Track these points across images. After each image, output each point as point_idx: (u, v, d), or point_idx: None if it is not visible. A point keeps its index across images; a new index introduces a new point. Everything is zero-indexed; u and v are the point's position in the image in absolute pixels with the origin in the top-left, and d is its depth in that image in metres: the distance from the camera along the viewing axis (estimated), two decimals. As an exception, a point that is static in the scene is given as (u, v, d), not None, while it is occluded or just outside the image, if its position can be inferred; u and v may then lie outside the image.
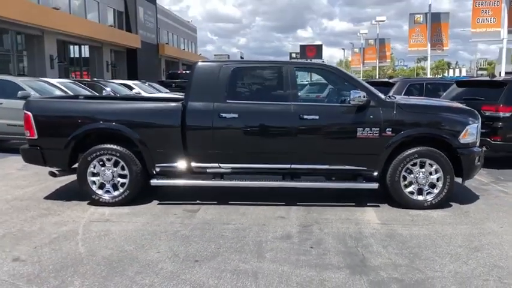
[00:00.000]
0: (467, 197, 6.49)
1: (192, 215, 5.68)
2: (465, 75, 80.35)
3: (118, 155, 5.91)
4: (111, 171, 5.98)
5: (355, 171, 5.99)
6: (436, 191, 5.92)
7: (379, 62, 36.65)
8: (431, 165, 5.89)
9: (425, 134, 5.87)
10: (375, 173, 5.95)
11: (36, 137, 5.96)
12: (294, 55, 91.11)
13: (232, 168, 5.99)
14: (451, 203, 6.12)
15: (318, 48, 78.92)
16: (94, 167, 5.98)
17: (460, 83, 9.93)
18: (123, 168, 5.97)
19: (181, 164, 5.98)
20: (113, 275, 3.92)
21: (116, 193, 5.99)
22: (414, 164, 5.90)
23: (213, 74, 5.98)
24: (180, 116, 5.86)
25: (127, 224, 5.28)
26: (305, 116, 5.81)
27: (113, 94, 15.37)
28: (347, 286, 3.75)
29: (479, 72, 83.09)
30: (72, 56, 29.20)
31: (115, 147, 5.92)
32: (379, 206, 6.06)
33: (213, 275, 3.93)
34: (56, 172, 6.13)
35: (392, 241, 4.78)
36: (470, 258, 4.34)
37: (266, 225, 5.26)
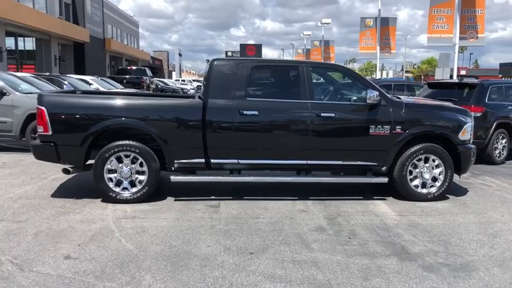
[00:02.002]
0: (459, 190, 7.05)
1: (216, 210, 5.75)
2: (392, 77, 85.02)
3: (137, 151, 5.86)
4: (129, 168, 5.90)
5: (366, 167, 6.33)
6: (438, 184, 6.40)
7: (324, 63, 37.85)
8: (433, 161, 6.37)
9: (431, 132, 6.32)
10: (383, 168, 6.32)
11: (50, 133, 5.75)
12: (229, 53, 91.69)
13: (250, 164, 6.13)
14: (447, 196, 6.63)
15: (258, 48, 79.60)
16: (111, 164, 5.88)
17: (432, 84, 10.65)
18: (141, 165, 5.92)
19: (200, 160, 6.03)
20: (180, 269, 3.96)
21: (134, 190, 5.93)
22: (419, 160, 6.34)
23: (232, 71, 6.08)
24: (201, 113, 5.91)
25: (158, 221, 5.27)
26: (322, 114, 6.07)
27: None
28: (403, 271, 4.04)
29: (406, 74, 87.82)
30: (16, 48, 27.50)
31: (135, 143, 5.85)
32: (386, 199, 6.45)
33: (276, 265, 4.08)
34: (70, 169, 5.95)
35: (417, 230, 5.15)
36: (493, 243, 4.80)
37: (294, 219, 5.46)
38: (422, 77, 78.22)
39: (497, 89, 9.78)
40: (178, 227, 5.05)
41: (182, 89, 38.79)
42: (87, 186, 6.69)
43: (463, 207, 6.16)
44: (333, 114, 6.11)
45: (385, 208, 6.03)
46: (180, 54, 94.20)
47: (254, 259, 4.21)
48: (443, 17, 15.51)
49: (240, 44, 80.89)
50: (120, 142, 5.84)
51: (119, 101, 6.02)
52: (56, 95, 6.09)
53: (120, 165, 5.90)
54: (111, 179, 5.90)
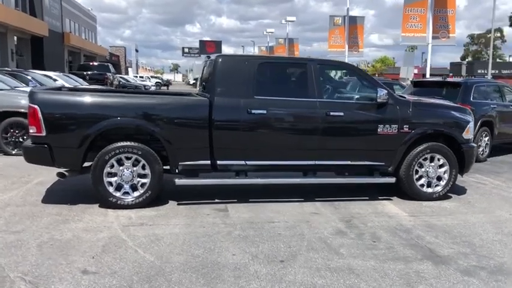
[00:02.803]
0: (458, 189, 7.04)
1: (226, 214, 5.47)
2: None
3: (140, 153, 5.48)
4: (130, 170, 5.51)
5: (374, 167, 6.21)
6: (443, 183, 6.38)
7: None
8: (438, 160, 6.33)
9: (437, 131, 6.28)
10: (390, 168, 6.23)
11: (44, 134, 5.28)
12: (186, 50, 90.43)
13: (258, 165, 5.88)
14: (450, 195, 6.62)
15: (217, 45, 79.24)
16: (111, 167, 5.47)
17: (416, 83, 10.73)
18: (143, 168, 5.54)
19: (206, 162, 5.72)
20: (213, 281, 3.67)
21: (136, 194, 5.55)
22: (425, 159, 6.29)
23: (239, 68, 5.80)
24: (208, 111, 5.60)
25: (168, 227, 4.93)
26: (331, 113, 5.89)
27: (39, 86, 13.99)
28: (443, 276, 3.92)
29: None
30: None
31: (137, 144, 5.47)
32: (391, 199, 6.36)
33: (313, 274, 3.86)
34: (66, 173, 5.48)
35: (436, 232, 5.06)
36: (516, 243, 4.78)
37: (310, 222, 5.26)
38: (377, 75, 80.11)
39: (480, 88, 9.96)
40: (194, 234, 4.73)
41: (144, 85, 37.90)
42: (77, 190, 6.26)
43: (470, 207, 6.15)
44: (342, 113, 5.95)
45: (395, 209, 5.93)
46: (136, 50, 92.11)
47: (287, 268, 3.97)
48: (417, 16, 15.79)
49: (200, 41, 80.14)
50: (122, 143, 5.44)
51: (121, 100, 5.63)
52: (51, 92, 5.59)
53: (121, 168, 5.50)
54: (110, 183, 5.49)
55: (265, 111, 5.74)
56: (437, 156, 6.31)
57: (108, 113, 5.39)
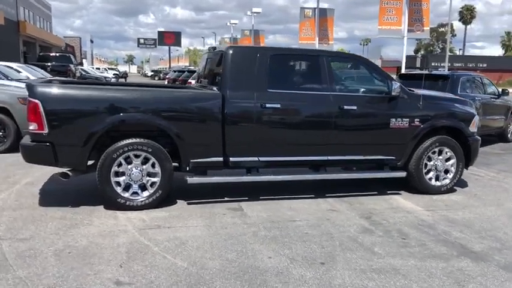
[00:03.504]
0: (459, 182, 7.07)
1: (242, 213, 5.22)
2: None
3: (150, 150, 5.13)
4: (139, 169, 5.16)
5: (384, 161, 6.12)
6: (450, 176, 6.37)
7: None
8: (446, 153, 6.32)
9: (447, 124, 6.25)
10: (400, 162, 6.16)
11: (46, 131, 4.83)
12: (141, 41, 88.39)
13: (271, 161, 5.65)
14: (454, 188, 6.63)
15: (177, 36, 77.87)
16: (119, 166, 5.10)
17: (403, 75, 10.77)
18: (153, 166, 5.20)
19: (218, 159, 5.44)
20: (261, 288, 3.44)
21: (146, 194, 5.21)
22: (433, 152, 6.26)
23: (250, 60, 5.53)
24: (221, 106, 5.31)
25: (189, 229, 4.64)
26: (345, 107, 5.74)
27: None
28: (489, 273, 3.84)
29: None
30: None
31: (147, 141, 5.12)
32: (400, 194, 6.30)
33: (361, 277, 3.70)
34: (69, 173, 5.06)
35: (459, 226, 5.02)
36: (540, 236, 4.80)
37: (331, 220, 5.10)
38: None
39: (466, 81, 10.10)
40: (218, 236, 4.47)
41: (105, 77, 36.72)
42: (74, 190, 5.84)
43: (478, 200, 6.17)
44: (355, 107, 5.80)
45: (408, 203, 5.87)
46: (91, 41, 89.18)
47: (331, 270, 3.79)
48: (393, 9, 15.94)
49: (158, 31, 78.52)
50: (131, 140, 5.07)
51: (130, 93, 5.24)
52: (53, 85, 5.12)
53: (129, 166, 5.13)
54: (118, 183, 5.12)
55: (279, 105, 5.51)
56: (446, 149, 6.30)
57: (117, 107, 5.01)
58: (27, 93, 4.90)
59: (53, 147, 4.88)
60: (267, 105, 5.45)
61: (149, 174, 5.22)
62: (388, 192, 6.34)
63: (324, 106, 5.71)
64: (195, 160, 5.35)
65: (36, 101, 4.79)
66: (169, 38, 76.17)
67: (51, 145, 4.87)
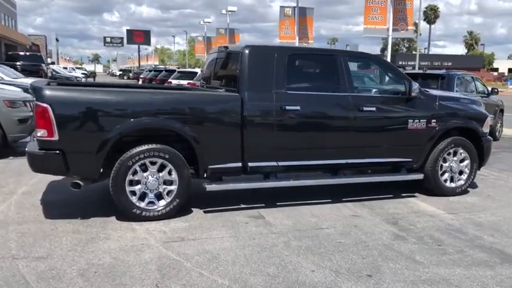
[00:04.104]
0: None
1: (265, 222, 4.97)
2: None
3: (167, 157, 4.81)
4: (155, 177, 4.83)
5: (402, 163, 5.98)
6: (464, 177, 6.29)
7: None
8: (460, 154, 6.24)
9: (463, 125, 6.16)
10: (416, 164, 6.03)
11: (56, 138, 4.44)
12: (108, 39, 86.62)
13: (290, 166, 5.42)
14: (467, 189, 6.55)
15: (146, 34, 76.59)
16: (134, 174, 4.76)
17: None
18: (169, 173, 4.89)
19: (237, 164, 5.17)
20: (318, 307, 3.19)
21: (162, 204, 4.89)
22: (449, 153, 6.17)
23: (268, 60, 5.28)
24: (241, 108, 5.04)
25: (216, 241, 4.35)
26: (364, 108, 5.56)
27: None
28: (539, 281, 3.73)
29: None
30: None
31: (164, 147, 4.80)
32: (416, 196, 6.19)
33: (414, 289, 3.51)
34: (81, 183, 4.68)
35: (488, 230, 4.91)
36: None
37: (358, 226, 4.91)
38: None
39: (460, 80, 10.14)
40: (250, 248, 4.20)
41: (75, 77, 35.65)
42: (77, 199, 5.48)
43: (495, 201, 6.11)
44: (374, 108, 5.64)
45: (428, 206, 5.74)
46: (57, 39, 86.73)
47: (381, 283, 3.59)
48: (378, 8, 15.96)
49: (127, 30, 77.09)
50: (147, 146, 4.74)
51: (146, 96, 4.92)
52: (65, 89, 4.72)
53: (145, 174, 4.80)
54: (133, 192, 4.79)
55: (298, 107, 5.28)
56: (460, 150, 6.21)
57: (134, 111, 4.67)
58: (35, 97, 4.50)
59: (64, 155, 4.50)
60: (287, 108, 5.21)
61: (165, 182, 4.90)
62: (403, 195, 6.21)
63: (344, 108, 5.52)
64: (214, 166, 5.06)
65: (46, 105, 4.39)
66: (139, 36, 74.82)
67: (62, 153, 4.49)
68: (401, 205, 5.76)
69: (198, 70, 20.51)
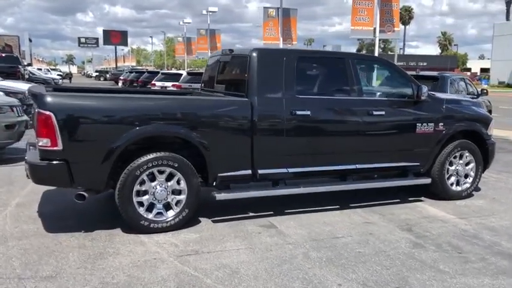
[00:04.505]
0: (470, 184, 6.99)
1: (278, 231, 4.80)
2: None
3: (176, 165, 4.59)
4: (164, 186, 4.61)
5: (409, 168, 5.89)
6: (469, 180, 6.24)
7: (211, 53, 36.73)
8: (466, 157, 6.19)
9: (469, 128, 6.11)
10: (423, 168, 5.95)
11: (60, 147, 4.18)
12: (83, 40, 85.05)
13: (300, 172, 5.26)
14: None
15: (123, 35, 75.47)
16: (141, 184, 4.53)
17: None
18: (178, 182, 4.67)
19: (246, 172, 4.99)
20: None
21: (171, 215, 4.66)
22: (455, 157, 6.11)
23: (278, 64, 5.10)
24: (251, 113, 4.86)
25: (232, 254, 4.16)
26: (374, 112, 5.45)
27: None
28: None
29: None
30: None
31: (173, 155, 4.58)
32: (423, 200, 6.11)
33: (448, 302, 3.38)
34: (86, 194, 4.42)
35: (503, 235, 4.84)
36: None
37: (373, 234, 4.79)
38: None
39: (453, 81, 10.17)
40: (269, 261, 4.02)
41: (52, 78, 34.84)
42: (75, 211, 5.27)
43: (502, 204, 6.06)
44: (383, 112, 5.53)
45: (438, 211, 5.67)
46: (30, 40, 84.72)
47: (414, 296, 3.46)
48: (365, 9, 15.94)
49: (103, 30, 75.80)
50: (155, 155, 4.51)
51: (155, 102, 4.70)
52: (69, 96, 4.45)
53: (153, 184, 4.57)
54: (141, 203, 4.55)
55: (309, 112, 5.12)
56: (466, 153, 6.16)
57: (143, 118, 4.44)
58: (36, 104, 4.23)
59: (68, 166, 4.23)
60: (297, 112, 5.05)
61: (174, 192, 4.68)
62: (410, 199, 6.12)
63: (354, 112, 5.39)
64: (223, 174, 4.87)
65: (49, 112, 4.12)
66: (115, 37, 73.69)
67: (66, 163, 4.22)
68: (411, 210, 5.67)
69: (183, 72, 20.19)
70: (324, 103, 5.29)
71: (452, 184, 6.15)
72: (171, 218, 4.64)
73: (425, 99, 5.72)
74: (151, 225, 4.56)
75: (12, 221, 4.87)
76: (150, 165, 4.49)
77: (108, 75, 58.98)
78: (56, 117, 4.12)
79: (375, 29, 15.94)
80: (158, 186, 4.58)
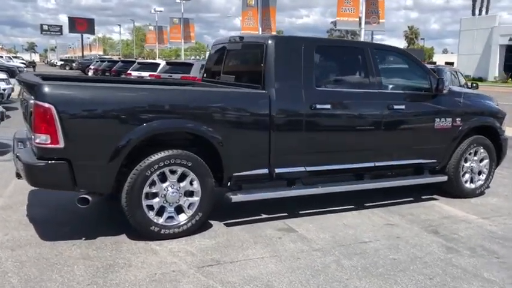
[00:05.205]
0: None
1: (300, 236, 4.42)
2: None
3: (190, 164, 4.13)
4: (176, 188, 4.15)
5: (426, 165, 5.61)
6: (483, 177, 6.03)
7: (184, 42, 35.91)
8: (480, 153, 5.96)
9: (486, 124, 5.87)
10: (438, 166, 5.69)
11: (61, 145, 3.65)
12: (45, 27, 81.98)
13: (317, 171, 4.88)
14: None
15: (90, 22, 73.18)
16: (151, 185, 4.05)
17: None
18: (191, 183, 4.21)
19: (263, 171, 4.57)
20: None
21: (183, 218, 4.21)
22: (470, 153, 5.87)
23: (296, 53, 4.69)
24: (269, 107, 4.44)
25: (258, 264, 3.75)
26: (394, 106, 5.12)
27: None
28: None
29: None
30: None
31: (186, 153, 4.12)
32: (436, 198, 5.86)
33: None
34: (89, 197, 3.91)
35: (532, 236, 4.64)
36: None
37: (402, 238, 4.47)
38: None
39: (446, 74, 10.01)
40: (300, 271, 3.64)
41: (17, 67, 33.25)
42: (70, 214, 4.77)
43: (516, 202, 5.89)
44: (403, 106, 5.21)
45: (456, 210, 5.42)
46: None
47: (470, 311, 3.14)
48: (350, 0, 15.64)
49: (69, 17, 73.25)
50: (167, 153, 4.03)
51: (168, 94, 4.21)
52: (72, 86, 3.89)
53: (164, 185, 4.10)
54: (151, 207, 4.07)
55: (329, 106, 4.74)
56: (481, 149, 5.93)
57: (156, 111, 3.97)
58: (34, 96, 3.67)
59: (71, 166, 3.71)
60: (317, 106, 4.66)
61: (186, 194, 4.22)
62: (423, 197, 5.86)
63: (374, 106, 5.05)
64: (239, 173, 4.44)
65: (48, 105, 3.58)
66: (82, 24, 71.32)
67: (68, 163, 3.70)
68: (429, 210, 5.40)
69: (160, 61, 19.44)
70: (344, 96, 4.92)
71: (466, 182, 5.91)
72: (183, 223, 4.19)
73: (446, 93, 5.43)
74: (162, 231, 4.10)
75: (1, 229, 4.30)
76: (162, 164, 4.01)
77: (74, 64, 56.96)
78: (57, 110, 3.59)
79: (360, 18, 15.67)
80: (170, 188, 4.11)
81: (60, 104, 3.61)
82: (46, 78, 4.64)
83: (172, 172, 4.11)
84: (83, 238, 4.09)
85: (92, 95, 3.83)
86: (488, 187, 6.16)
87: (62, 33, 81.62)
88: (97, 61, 29.27)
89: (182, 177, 4.17)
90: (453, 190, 5.85)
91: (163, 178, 4.09)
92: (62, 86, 3.80)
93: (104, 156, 3.80)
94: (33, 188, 5.15)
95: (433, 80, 5.39)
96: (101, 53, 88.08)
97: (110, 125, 3.80)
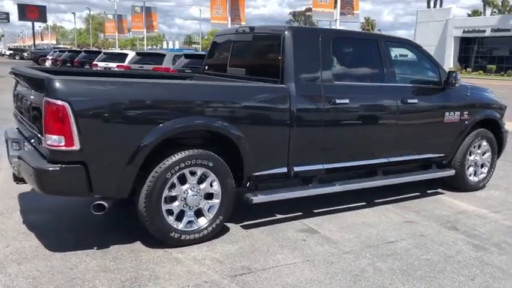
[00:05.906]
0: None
1: (324, 237, 4.22)
2: (179, 48, 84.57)
3: (211, 165, 3.84)
4: (196, 190, 3.85)
5: (434, 159, 5.54)
6: (485, 170, 6.04)
7: (146, 32, 34.78)
8: (484, 147, 5.96)
9: (490, 117, 5.86)
10: (445, 160, 5.64)
11: (78, 147, 3.27)
12: (3, 16, 77.87)
13: (335, 168, 4.70)
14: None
15: (41, 10, 70.19)
16: (171, 188, 3.73)
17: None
18: (211, 185, 3.93)
19: (282, 170, 4.34)
20: None
21: (203, 222, 3.93)
22: (474, 147, 5.85)
23: (314, 45, 4.46)
24: (289, 102, 4.20)
25: (292, 270, 3.53)
26: (408, 100, 4.99)
27: None
28: None
29: (194, 46, 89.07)
30: None
31: (207, 153, 3.82)
32: (443, 193, 5.81)
33: None
34: (106, 203, 3.55)
35: (549, 231, 4.64)
36: None
37: (427, 237, 4.35)
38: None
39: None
40: (339, 277, 3.45)
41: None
42: (71, 219, 4.41)
43: (520, 195, 5.94)
44: (416, 100, 5.09)
45: (465, 205, 5.38)
46: None
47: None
48: (326, -9, 15.53)
49: (18, 5, 69.89)
50: (187, 153, 3.72)
51: (190, 89, 3.86)
52: (85, 80, 3.48)
53: (184, 187, 3.79)
54: (170, 211, 3.76)
55: (347, 100, 4.55)
56: (484, 143, 5.93)
57: (177, 109, 3.64)
58: (45, 92, 3.26)
59: (87, 170, 3.34)
60: (337, 101, 4.45)
61: (206, 196, 3.93)
62: (429, 191, 5.80)
63: (390, 100, 4.90)
64: (259, 173, 4.18)
65: (62, 103, 3.19)
66: (33, 12, 68.30)
67: (84, 167, 3.33)
68: (440, 205, 5.34)
69: (128, 52, 18.70)
70: (362, 90, 4.74)
71: (470, 175, 5.90)
72: (204, 227, 3.90)
73: (456, 86, 5.36)
74: (183, 237, 3.80)
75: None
76: (183, 165, 3.70)
77: (26, 54, 54.22)
78: (72, 109, 3.20)
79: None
80: (190, 191, 3.81)
81: (75, 101, 3.23)
82: (60, 72, 4.21)
83: (192, 173, 3.81)
84: (95, 248, 3.73)
85: (110, 91, 3.45)
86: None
87: (9, 21, 77.80)
88: (54, 51, 27.91)
89: (202, 179, 3.87)
90: (458, 184, 5.82)
91: (183, 180, 3.78)
92: (76, 82, 3.40)
93: (123, 158, 3.45)
94: (19, 189, 4.77)
95: (443, 73, 5.31)
96: (54, 42, 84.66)
97: (129, 124, 3.45)
